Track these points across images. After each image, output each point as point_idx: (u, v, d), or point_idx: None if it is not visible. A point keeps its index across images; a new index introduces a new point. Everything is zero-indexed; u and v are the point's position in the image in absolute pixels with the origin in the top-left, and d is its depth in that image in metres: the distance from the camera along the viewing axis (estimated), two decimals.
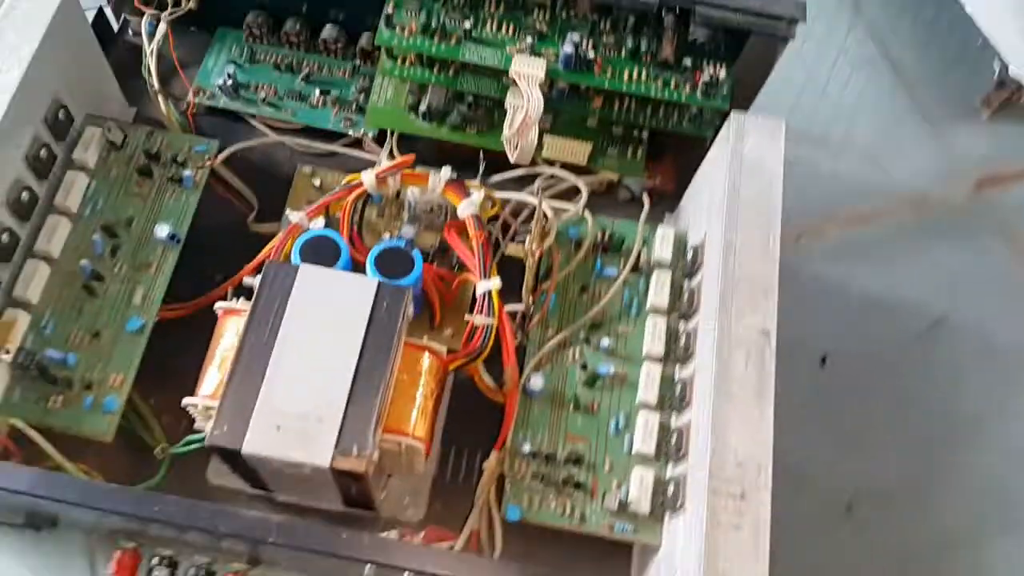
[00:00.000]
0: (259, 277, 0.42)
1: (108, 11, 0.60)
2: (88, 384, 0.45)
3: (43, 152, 0.47)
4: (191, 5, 0.56)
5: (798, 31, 0.48)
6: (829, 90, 0.69)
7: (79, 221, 0.49)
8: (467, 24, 0.52)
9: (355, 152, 0.58)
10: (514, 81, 0.51)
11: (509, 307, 0.50)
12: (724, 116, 0.50)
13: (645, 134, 0.57)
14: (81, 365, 0.46)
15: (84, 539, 0.48)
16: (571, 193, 0.56)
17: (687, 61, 0.52)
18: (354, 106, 0.58)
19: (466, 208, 0.50)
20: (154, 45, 0.56)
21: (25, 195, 0.46)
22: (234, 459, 0.40)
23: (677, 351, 0.48)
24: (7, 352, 0.44)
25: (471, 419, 0.50)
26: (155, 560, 0.42)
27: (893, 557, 0.53)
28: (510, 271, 0.50)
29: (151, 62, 0.56)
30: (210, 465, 0.48)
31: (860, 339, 0.59)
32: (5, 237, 0.45)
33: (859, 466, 0.55)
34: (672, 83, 0.52)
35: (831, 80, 0.70)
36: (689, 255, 0.50)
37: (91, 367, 0.46)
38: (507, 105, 0.52)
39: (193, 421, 0.44)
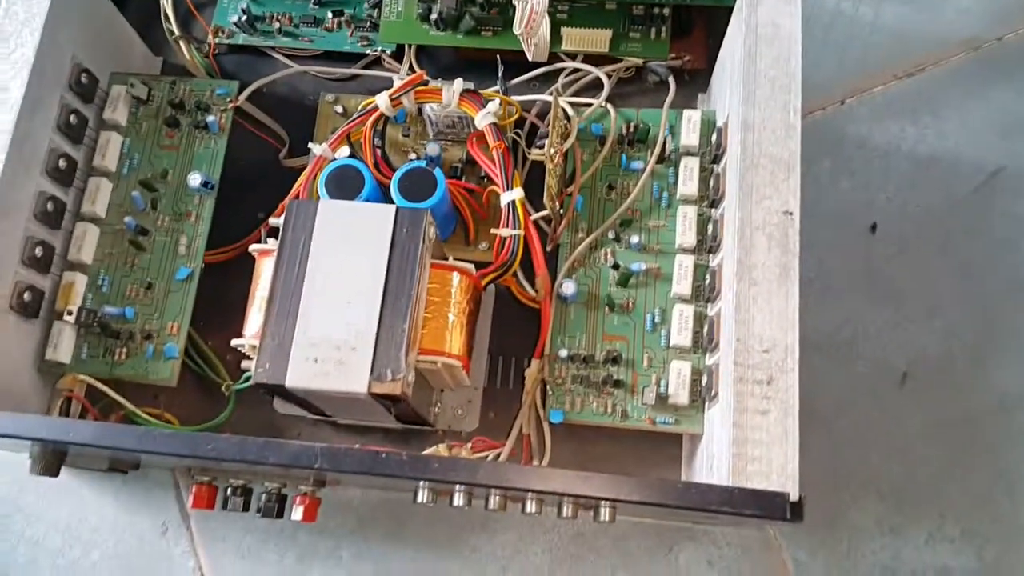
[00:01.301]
0: (283, 217, 0.44)
1: None
2: (148, 334, 0.48)
3: (73, 118, 0.49)
4: None
5: None
6: None
7: (119, 179, 0.51)
8: None
9: (376, 72, 0.58)
10: None
11: (537, 215, 0.50)
12: None
13: (667, 10, 0.55)
14: (139, 317, 0.49)
15: (168, 475, 0.52)
16: (598, 85, 0.55)
17: None
18: (368, 24, 0.58)
19: (483, 118, 0.49)
20: None
21: (63, 162, 0.49)
22: (282, 393, 0.42)
23: (707, 240, 0.47)
24: (70, 313, 0.48)
25: (516, 327, 0.51)
26: (229, 490, 0.46)
27: (950, 424, 0.52)
28: (541, 175, 0.50)
29: (167, 8, 0.57)
30: (276, 397, 0.51)
31: (912, 201, 0.56)
32: (51, 205, 0.48)
33: (914, 334, 0.53)
34: None
35: None
36: (714, 138, 0.48)
37: (148, 318, 0.49)
38: (514, 1, 0.51)
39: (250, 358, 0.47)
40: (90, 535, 0.51)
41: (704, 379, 0.44)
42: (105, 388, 0.46)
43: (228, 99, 0.53)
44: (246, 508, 0.46)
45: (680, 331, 0.46)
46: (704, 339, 0.45)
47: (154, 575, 0.50)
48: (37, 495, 0.52)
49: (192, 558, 0.50)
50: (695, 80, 0.56)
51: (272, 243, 0.45)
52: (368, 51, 0.58)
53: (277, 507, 0.45)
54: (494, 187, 0.50)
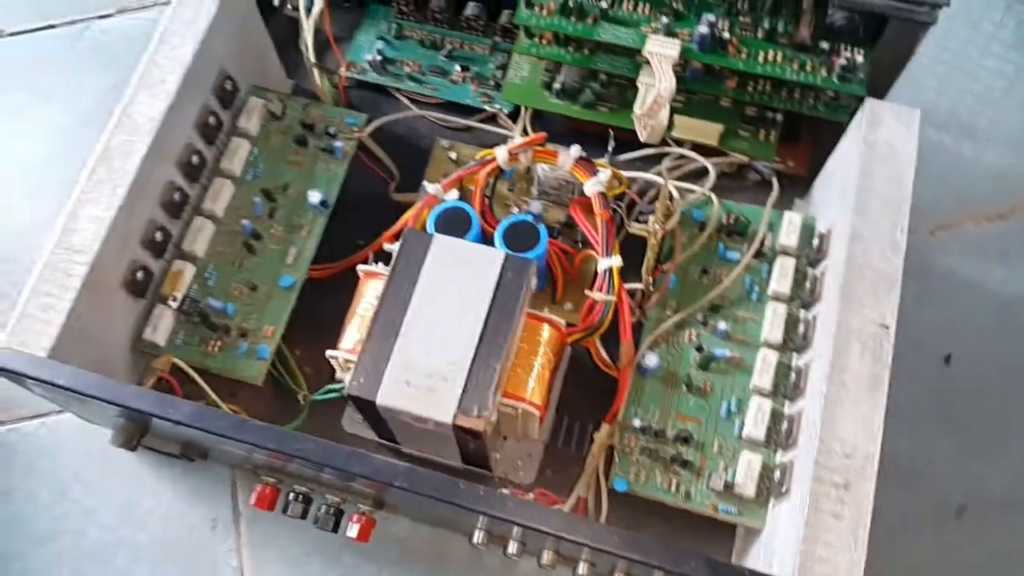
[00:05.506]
0: (398, 244, 0.46)
1: None
2: (244, 332, 0.50)
3: (211, 119, 0.52)
4: None
5: (944, 12, 0.47)
6: (979, 74, 0.66)
7: (241, 184, 0.54)
8: (604, 3, 0.53)
9: (490, 127, 0.61)
10: (647, 61, 0.52)
11: (629, 285, 0.51)
12: (860, 101, 0.50)
13: (779, 116, 0.57)
14: (238, 315, 0.51)
15: (228, 472, 0.53)
16: (699, 174, 0.57)
17: (824, 44, 0.51)
18: (492, 82, 0.61)
19: (593, 186, 0.51)
20: (311, 21, 0.61)
21: (195, 158, 0.51)
22: (368, 408, 0.43)
23: (795, 339, 0.48)
24: (174, 299, 0.50)
25: (585, 391, 0.52)
26: (291, 495, 0.47)
27: (1006, 560, 0.51)
28: (632, 249, 0.52)
29: (308, 37, 0.61)
30: (345, 414, 0.52)
31: (990, 340, 0.57)
32: (177, 196, 0.50)
33: (976, 469, 0.53)
34: (808, 66, 0.51)
35: (982, 62, 0.66)
36: (815, 243, 0.50)
37: (247, 317, 0.51)
38: (639, 84, 0.53)
39: (333, 372, 0.48)
40: (142, 516, 0.52)
41: (777, 475, 0.45)
42: (196, 376, 0.48)
43: (355, 129, 0.56)
44: (303, 516, 0.47)
45: (756, 423, 0.46)
46: (781, 435, 0.46)
47: (196, 567, 0.51)
48: (100, 468, 0.53)
49: (236, 557, 0.51)
50: (793, 185, 0.58)
51: (380, 267, 0.47)
52: (487, 107, 0.61)
53: (334, 520, 0.46)
54: (590, 252, 0.52)
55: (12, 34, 0.68)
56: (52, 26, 0.68)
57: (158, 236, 0.49)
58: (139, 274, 0.48)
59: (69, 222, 0.45)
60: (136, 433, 0.45)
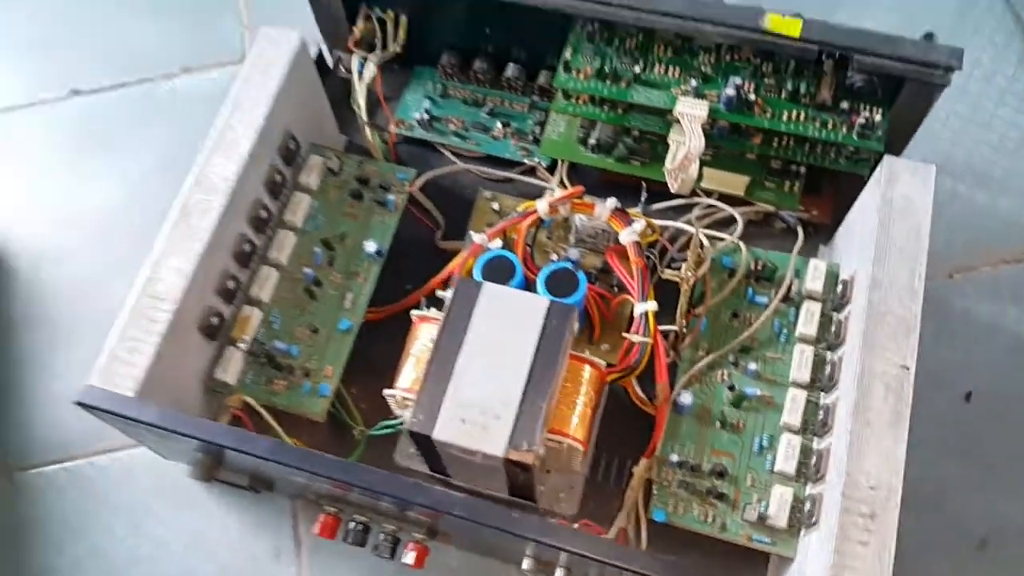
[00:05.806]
0: (451, 291, 0.49)
1: (325, 51, 0.69)
2: (307, 372, 0.54)
3: (277, 176, 0.57)
4: (397, 49, 0.65)
5: (957, 73, 0.51)
6: (994, 124, 0.70)
7: (302, 235, 0.58)
8: (637, 68, 0.57)
9: (529, 179, 0.65)
10: (678, 120, 0.56)
11: (663, 327, 0.55)
12: (880, 156, 0.53)
13: (802, 169, 0.60)
14: (302, 356, 0.55)
15: (289, 503, 0.57)
16: (728, 222, 0.60)
17: (844, 103, 0.55)
18: (531, 137, 0.65)
19: (628, 235, 0.55)
20: (364, 84, 0.65)
21: (263, 212, 0.56)
22: (424, 443, 0.47)
23: (822, 379, 0.52)
24: (243, 342, 0.54)
25: (623, 427, 0.55)
26: (351, 524, 0.50)
27: None
28: (665, 292, 0.55)
29: (361, 99, 0.65)
30: (398, 447, 0.56)
31: (1008, 379, 0.60)
32: (247, 247, 0.55)
33: (997, 504, 0.56)
34: (829, 124, 0.55)
35: (996, 113, 0.70)
36: (839, 289, 0.53)
37: (309, 358, 0.55)
38: (670, 141, 0.57)
39: (386, 409, 0.52)
40: (211, 547, 0.56)
41: (807, 506, 0.48)
42: (265, 414, 0.52)
43: (406, 184, 0.60)
44: (362, 544, 0.50)
45: (787, 458, 0.50)
46: (811, 470, 0.49)
47: None
48: (171, 501, 0.57)
49: None
50: (817, 233, 0.62)
51: (433, 311, 0.51)
52: (526, 160, 0.65)
53: (391, 548, 0.50)
54: (626, 296, 0.56)
55: (87, 92, 0.74)
56: (124, 84, 0.74)
57: (230, 284, 0.54)
58: (213, 319, 0.53)
59: (153, 272, 0.50)
60: (214, 466, 0.49)
